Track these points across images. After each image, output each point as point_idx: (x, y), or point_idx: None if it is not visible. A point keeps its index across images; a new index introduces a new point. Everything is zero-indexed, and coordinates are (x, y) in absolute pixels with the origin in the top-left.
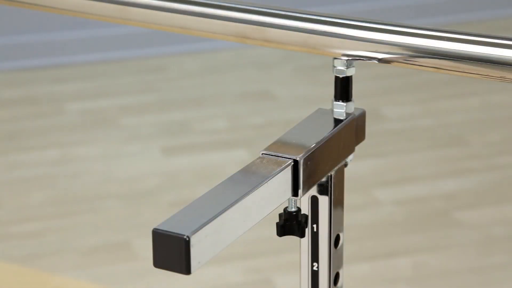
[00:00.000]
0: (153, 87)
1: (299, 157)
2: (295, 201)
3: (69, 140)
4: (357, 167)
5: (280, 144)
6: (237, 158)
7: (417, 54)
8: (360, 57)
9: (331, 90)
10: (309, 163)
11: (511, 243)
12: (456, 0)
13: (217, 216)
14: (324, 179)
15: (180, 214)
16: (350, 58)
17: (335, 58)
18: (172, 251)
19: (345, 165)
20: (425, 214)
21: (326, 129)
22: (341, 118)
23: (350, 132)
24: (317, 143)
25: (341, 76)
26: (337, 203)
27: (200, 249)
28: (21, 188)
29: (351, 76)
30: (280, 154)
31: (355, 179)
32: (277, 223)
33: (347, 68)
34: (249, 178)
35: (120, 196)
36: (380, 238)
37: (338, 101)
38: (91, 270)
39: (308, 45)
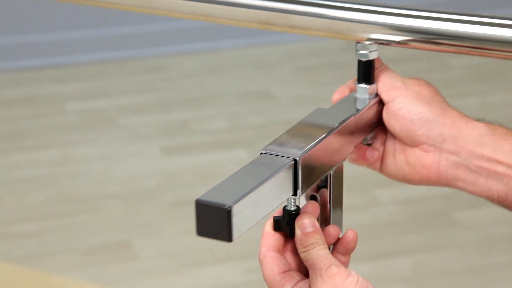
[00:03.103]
0: (153, 87)
1: (298, 156)
2: (294, 200)
3: (69, 140)
4: (357, 167)
5: (279, 143)
6: (237, 158)
7: (437, 36)
8: (383, 41)
9: (331, 90)
10: (307, 162)
11: (511, 243)
12: (456, 0)
13: (256, 188)
14: (323, 179)
15: (219, 187)
16: (372, 42)
17: (358, 42)
18: (214, 221)
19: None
20: (425, 214)
21: (325, 129)
22: (365, 98)
23: (349, 132)
24: (316, 143)
25: (364, 59)
26: (336, 203)
27: (240, 219)
28: (21, 188)
29: (373, 60)
30: (279, 154)
31: (355, 179)
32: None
33: (370, 52)
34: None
35: (120, 196)
36: (380, 238)
37: (361, 84)
38: (91, 270)
39: (332, 30)
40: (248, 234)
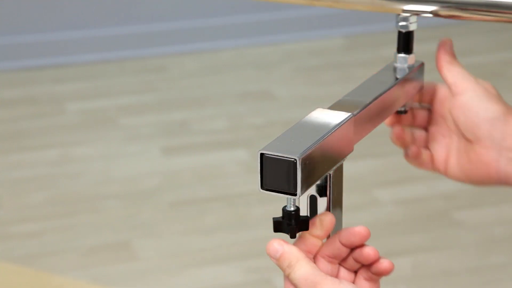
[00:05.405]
0: (153, 87)
1: (297, 157)
2: (294, 201)
3: (69, 140)
4: (357, 167)
5: (278, 144)
6: (237, 158)
7: (472, 7)
8: (417, 12)
9: (331, 90)
10: (307, 162)
11: (511, 243)
12: None
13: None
14: (322, 179)
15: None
16: (408, 13)
17: (399, 15)
18: (280, 174)
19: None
20: (425, 214)
21: (324, 129)
22: (404, 68)
23: (348, 132)
24: (315, 143)
25: (404, 30)
26: (335, 203)
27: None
28: (21, 188)
29: (413, 31)
30: (279, 154)
31: (355, 179)
32: (274, 221)
33: (409, 23)
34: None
35: (120, 196)
36: (380, 238)
37: (401, 53)
38: (91, 270)
39: (374, 3)
40: (248, 234)
